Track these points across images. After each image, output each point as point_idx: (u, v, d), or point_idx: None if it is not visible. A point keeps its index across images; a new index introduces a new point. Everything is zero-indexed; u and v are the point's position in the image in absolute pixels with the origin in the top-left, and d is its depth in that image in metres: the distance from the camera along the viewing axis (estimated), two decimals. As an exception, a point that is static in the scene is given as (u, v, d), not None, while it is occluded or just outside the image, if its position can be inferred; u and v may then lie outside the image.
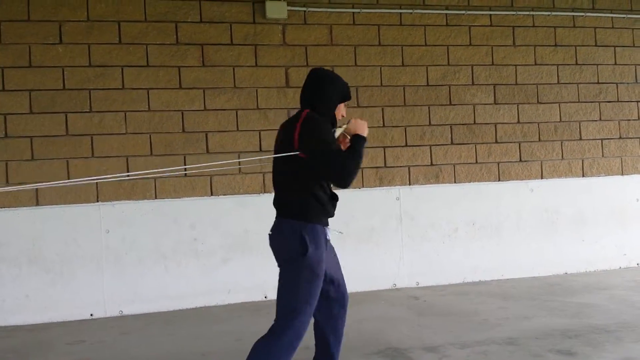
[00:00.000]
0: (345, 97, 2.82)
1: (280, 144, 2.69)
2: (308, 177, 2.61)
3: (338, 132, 2.71)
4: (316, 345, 2.91)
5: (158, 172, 4.86)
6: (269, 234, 2.69)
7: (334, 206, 2.73)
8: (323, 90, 2.75)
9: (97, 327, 4.61)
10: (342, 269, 2.92)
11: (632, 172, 6.29)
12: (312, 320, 2.72)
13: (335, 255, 2.87)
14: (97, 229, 4.98)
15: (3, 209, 4.83)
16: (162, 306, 5.03)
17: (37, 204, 4.90)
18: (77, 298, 4.89)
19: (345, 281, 2.91)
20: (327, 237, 2.69)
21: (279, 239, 2.64)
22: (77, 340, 4.25)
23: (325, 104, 2.74)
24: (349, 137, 2.71)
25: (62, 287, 4.87)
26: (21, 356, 3.91)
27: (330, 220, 2.74)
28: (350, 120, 2.76)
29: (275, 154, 2.73)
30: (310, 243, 2.56)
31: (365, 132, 2.72)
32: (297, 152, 2.56)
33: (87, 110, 5.06)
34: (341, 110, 2.83)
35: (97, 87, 5.08)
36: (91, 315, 4.91)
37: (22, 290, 4.81)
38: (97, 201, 5.01)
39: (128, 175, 4.95)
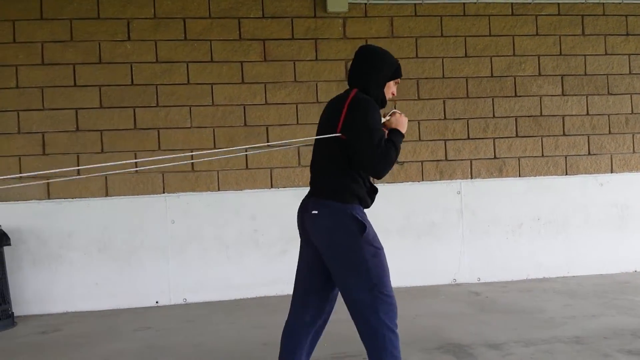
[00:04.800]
0: (395, 74, 2.68)
1: (326, 123, 2.60)
2: (350, 160, 2.51)
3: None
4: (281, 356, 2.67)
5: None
6: (313, 213, 2.51)
7: (371, 197, 2.60)
8: (371, 68, 2.62)
9: (162, 315, 4.78)
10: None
11: None
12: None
13: None
14: (163, 219, 5.14)
15: (75, 199, 5.07)
16: (225, 295, 5.16)
17: (107, 194, 5.11)
18: (143, 286, 5.08)
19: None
20: None
21: (326, 219, 2.48)
22: (143, 326, 4.42)
23: (374, 82, 2.62)
24: (387, 131, 2.60)
25: (130, 275, 5.07)
26: (91, 341, 4.10)
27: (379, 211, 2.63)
28: (393, 113, 2.67)
29: (319, 132, 2.63)
30: (364, 220, 2.47)
31: (404, 129, 2.62)
32: (339, 135, 2.47)
33: (154, 105, 5.22)
34: (391, 88, 2.69)
35: (163, 82, 5.23)
36: (157, 302, 5.09)
37: (91, 278, 5.04)
38: (164, 192, 5.17)
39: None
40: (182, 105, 5.25)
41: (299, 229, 2.69)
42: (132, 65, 5.21)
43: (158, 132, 5.21)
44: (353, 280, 2.47)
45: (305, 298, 2.66)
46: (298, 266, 2.72)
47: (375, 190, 2.63)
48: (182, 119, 5.25)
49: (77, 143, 5.11)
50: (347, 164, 2.51)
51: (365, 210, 2.59)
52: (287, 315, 2.72)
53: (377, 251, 2.47)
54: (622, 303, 4.51)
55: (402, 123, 2.63)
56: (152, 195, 5.15)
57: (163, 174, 5.18)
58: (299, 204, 2.67)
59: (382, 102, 2.67)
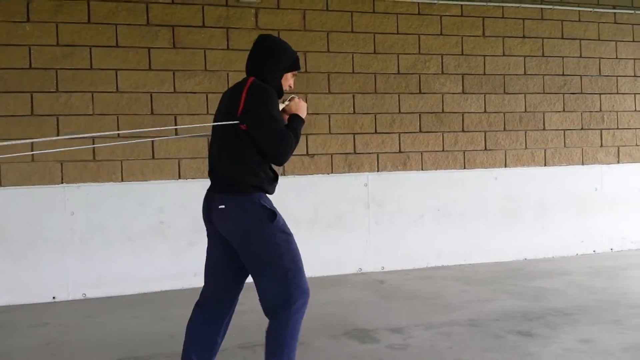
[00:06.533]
0: (292, 66, 2.69)
1: (224, 113, 2.58)
2: (252, 149, 2.50)
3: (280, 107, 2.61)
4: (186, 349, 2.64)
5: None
6: (221, 208, 2.48)
7: (272, 185, 2.60)
8: (269, 57, 2.63)
9: (60, 310, 4.57)
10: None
11: (592, 162, 6.48)
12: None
13: None
14: (61, 211, 4.91)
15: (-35, 189, 4.73)
16: (128, 289, 5.00)
17: (0, 184, 4.80)
18: (40, 281, 4.82)
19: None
20: None
21: (236, 213, 2.46)
22: (40, 322, 4.21)
23: (272, 72, 2.62)
24: (287, 116, 2.62)
25: (26, 270, 4.79)
26: (-16, 338, 3.87)
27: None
28: (292, 98, 2.67)
29: (216, 122, 2.60)
30: (272, 208, 2.50)
31: (304, 114, 2.63)
32: (238, 123, 2.47)
33: (54, 90, 4.96)
34: (288, 80, 2.71)
35: (64, 66, 4.98)
36: (54, 298, 4.85)
37: (-16, 272, 4.73)
38: (62, 182, 4.93)
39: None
40: (83, 91, 5.02)
41: (204, 221, 2.66)
42: (31, 47, 4.91)
43: (57, 118, 4.96)
44: (267, 268, 2.48)
45: (216, 290, 2.65)
46: (207, 258, 2.69)
47: (276, 178, 2.63)
48: (83, 105, 5.02)
49: (-33, 129, 4.77)
50: (248, 153, 2.50)
51: (276, 202, 2.60)
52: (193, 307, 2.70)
53: (288, 237, 2.51)
54: (513, 288, 4.84)
55: (301, 108, 2.64)
56: (49, 186, 4.89)
57: (62, 163, 4.94)
58: (204, 196, 2.65)
59: (279, 92, 2.67)
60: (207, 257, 2.69)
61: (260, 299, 2.53)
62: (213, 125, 2.62)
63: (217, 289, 2.65)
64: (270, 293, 2.49)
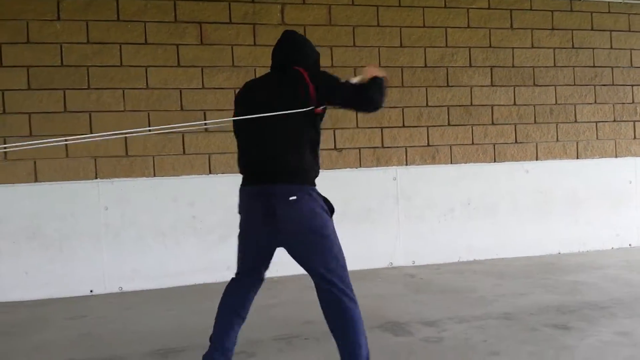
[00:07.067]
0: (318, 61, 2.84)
1: (280, 101, 2.51)
2: (313, 138, 2.58)
3: (354, 81, 2.67)
4: (217, 334, 2.78)
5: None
6: (292, 199, 2.46)
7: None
8: (307, 52, 2.76)
9: (97, 303, 4.64)
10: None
11: (626, 154, 6.37)
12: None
13: None
14: (95, 206, 4.98)
15: (1, 185, 4.82)
16: (162, 283, 5.06)
17: (36, 180, 4.89)
18: (76, 274, 4.91)
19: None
20: None
21: (309, 202, 2.50)
22: (77, 315, 4.28)
23: (312, 60, 2.74)
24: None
25: (62, 264, 4.89)
26: (23, 330, 3.94)
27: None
28: (361, 71, 2.73)
29: (260, 112, 2.54)
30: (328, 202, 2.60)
31: (381, 73, 2.66)
32: (313, 108, 2.51)
33: (85, 87, 5.04)
34: None
35: (95, 64, 5.05)
36: (91, 291, 4.93)
37: (21, 267, 4.82)
38: (96, 178, 5.01)
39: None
40: (114, 88, 5.09)
41: (248, 212, 2.63)
42: (62, 45, 5.00)
43: (89, 115, 5.03)
44: (329, 259, 2.52)
45: (252, 268, 2.73)
46: (247, 243, 2.69)
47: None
48: (114, 101, 5.09)
49: (3, 126, 4.86)
50: (310, 145, 2.56)
51: None
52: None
53: (336, 234, 2.60)
54: (547, 282, 4.78)
55: (373, 71, 2.68)
56: (83, 181, 4.98)
57: (95, 159, 5.02)
58: (253, 189, 2.61)
59: None
60: (247, 242, 2.69)
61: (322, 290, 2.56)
62: (251, 117, 2.57)
63: (253, 267, 2.73)
64: (336, 279, 2.54)
